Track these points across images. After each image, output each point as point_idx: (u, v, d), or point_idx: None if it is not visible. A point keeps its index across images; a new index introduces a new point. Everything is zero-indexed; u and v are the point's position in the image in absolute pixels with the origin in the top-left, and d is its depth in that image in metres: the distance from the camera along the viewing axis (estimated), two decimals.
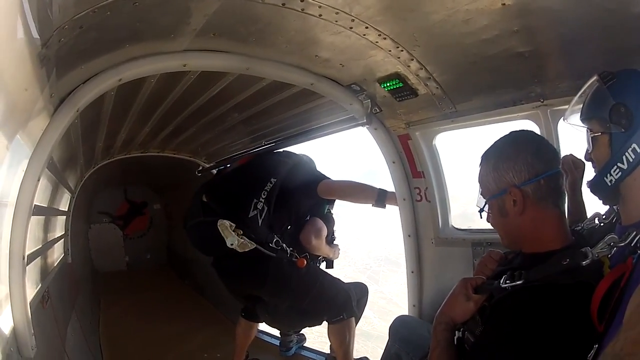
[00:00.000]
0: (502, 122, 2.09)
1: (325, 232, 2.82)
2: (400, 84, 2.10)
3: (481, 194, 1.30)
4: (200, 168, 3.77)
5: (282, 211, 2.63)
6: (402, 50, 1.85)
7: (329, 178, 2.80)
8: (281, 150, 2.96)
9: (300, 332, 3.69)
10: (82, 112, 1.86)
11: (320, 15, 1.63)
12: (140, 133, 3.57)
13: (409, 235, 2.66)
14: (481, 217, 1.32)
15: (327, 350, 3.35)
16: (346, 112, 2.62)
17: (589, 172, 1.21)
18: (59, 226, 4.01)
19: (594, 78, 1.13)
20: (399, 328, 2.13)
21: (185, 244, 2.71)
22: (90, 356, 3.51)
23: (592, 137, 1.14)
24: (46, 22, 1.20)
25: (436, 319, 1.27)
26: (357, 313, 2.92)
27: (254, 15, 1.65)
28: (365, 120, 2.45)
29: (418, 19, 1.60)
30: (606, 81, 1.10)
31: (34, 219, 2.00)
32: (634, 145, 1.02)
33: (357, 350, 2.97)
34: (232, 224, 2.34)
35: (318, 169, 3.12)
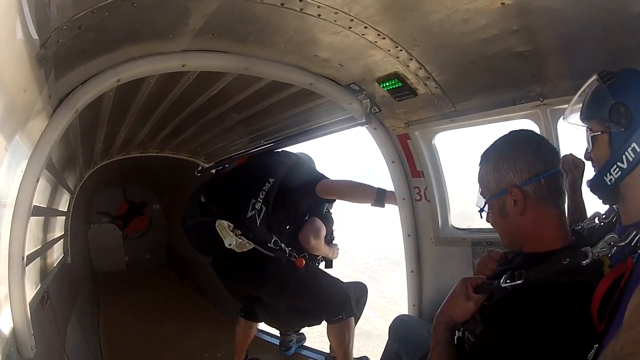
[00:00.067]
0: (502, 122, 2.09)
1: (324, 231, 2.82)
2: (400, 84, 2.09)
3: (481, 194, 1.29)
4: (200, 168, 3.77)
5: (280, 211, 2.63)
6: (401, 50, 1.85)
7: (328, 177, 2.80)
8: (279, 150, 2.95)
9: (300, 331, 3.69)
10: (81, 112, 1.86)
11: (319, 15, 1.63)
12: (140, 133, 3.57)
13: (409, 235, 2.66)
14: (481, 217, 1.32)
15: (327, 349, 3.35)
16: (345, 111, 2.62)
17: (589, 172, 1.21)
18: (59, 226, 4.00)
19: (594, 77, 1.13)
20: (398, 327, 2.13)
21: (185, 244, 2.70)
22: (90, 356, 3.51)
23: (591, 137, 1.14)
24: (44, 23, 1.20)
25: (436, 319, 1.27)
26: (357, 313, 2.92)
27: (253, 15, 1.65)
28: (364, 120, 2.44)
29: (417, 18, 1.59)
30: (606, 80, 1.10)
31: (33, 219, 2.00)
32: (633, 144, 1.02)
33: (358, 350, 2.97)
34: (230, 224, 2.34)
35: (317, 167, 3.12)
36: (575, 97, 1.24)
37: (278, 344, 3.68)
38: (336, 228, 3.07)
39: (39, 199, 2.52)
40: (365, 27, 1.70)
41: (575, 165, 1.54)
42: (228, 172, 2.89)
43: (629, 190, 1.07)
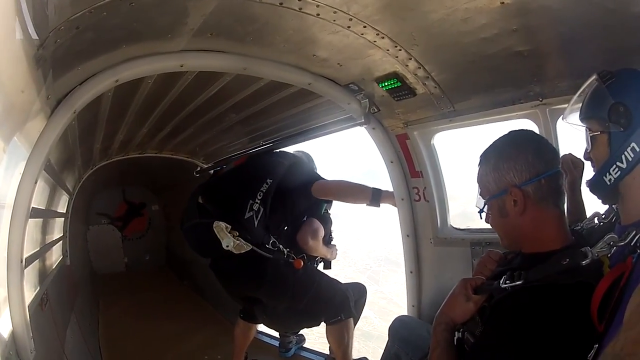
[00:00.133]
0: (501, 122, 2.09)
1: (322, 232, 2.81)
2: (399, 84, 2.09)
3: (480, 195, 1.29)
4: (199, 169, 3.77)
5: (278, 212, 2.62)
6: (400, 50, 1.85)
7: (324, 178, 2.79)
8: (277, 150, 2.95)
9: (299, 332, 3.69)
10: (79, 113, 1.85)
11: (318, 14, 1.62)
12: (138, 134, 3.56)
13: (408, 235, 2.66)
14: (481, 218, 1.32)
15: (327, 351, 3.34)
16: (344, 111, 2.62)
17: (588, 172, 1.21)
18: (57, 228, 4.00)
19: (593, 77, 1.13)
20: (398, 328, 2.13)
21: (184, 245, 2.70)
22: (90, 358, 3.50)
23: (591, 137, 1.14)
24: (42, 23, 1.19)
25: (436, 320, 1.27)
26: (356, 314, 2.91)
27: (252, 14, 1.64)
28: (363, 120, 2.44)
29: (416, 18, 1.59)
30: (605, 80, 1.09)
31: (31, 221, 1.99)
32: (632, 144, 1.02)
33: (359, 351, 2.97)
34: (228, 225, 2.33)
35: (316, 166, 3.11)
36: (575, 97, 1.24)
37: (277, 345, 3.67)
38: (335, 229, 3.06)
39: (38, 201, 2.51)
40: (364, 27, 1.70)
41: (575, 165, 1.54)
42: (226, 173, 2.88)
43: (629, 190, 1.07)
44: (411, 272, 2.68)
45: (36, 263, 2.63)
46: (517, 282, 1.08)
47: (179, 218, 2.67)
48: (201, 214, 2.46)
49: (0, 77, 1.15)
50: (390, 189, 2.66)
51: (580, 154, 1.33)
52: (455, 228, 2.50)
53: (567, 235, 1.18)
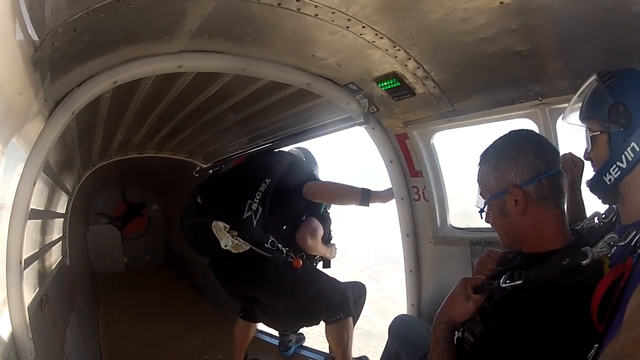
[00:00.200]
0: (501, 121, 2.08)
1: (321, 231, 2.81)
2: (398, 83, 2.09)
3: (480, 194, 1.29)
4: (198, 168, 3.77)
5: (277, 211, 2.62)
6: (399, 50, 1.84)
7: (318, 179, 2.77)
8: (276, 150, 2.94)
9: (299, 331, 3.69)
10: (77, 114, 1.85)
11: (317, 15, 1.62)
12: (137, 134, 3.56)
13: (407, 235, 2.66)
14: (481, 218, 1.32)
15: (327, 350, 3.35)
16: (343, 111, 2.62)
17: (588, 171, 1.21)
18: (57, 228, 3.99)
19: (593, 77, 1.13)
20: (398, 327, 2.13)
21: (184, 244, 2.70)
22: (90, 358, 3.50)
23: (591, 137, 1.14)
24: (39, 26, 1.19)
25: (436, 319, 1.27)
26: (355, 313, 2.91)
27: (250, 15, 1.64)
28: (362, 120, 2.44)
29: (415, 18, 1.59)
30: (605, 80, 1.09)
31: (31, 222, 1.99)
32: (632, 144, 1.02)
33: (359, 349, 2.97)
34: (227, 225, 2.33)
35: (317, 163, 3.11)
36: (575, 97, 1.23)
37: (277, 344, 3.68)
38: (334, 228, 3.06)
39: (37, 202, 2.51)
40: (363, 27, 1.70)
41: (575, 164, 1.54)
42: (225, 173, 2.88)
43: (629, 190, 1.06)
44: (411, 272, 2.68)
45: (36, 264, 2.63)
46: (517, 282, 1.08)
47: (179, 218, 2.67)
48: (200, 214, 2.46)
49: None
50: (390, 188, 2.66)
51: (580, 154, 1.33)
52: (455, 227, 2.50)
53: (567, 234, 1.18)
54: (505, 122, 2.04)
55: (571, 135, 1.34)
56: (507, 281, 1.11)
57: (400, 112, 2.35)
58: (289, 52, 2.00)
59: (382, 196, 2.67)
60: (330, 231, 3.02)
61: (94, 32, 1.44)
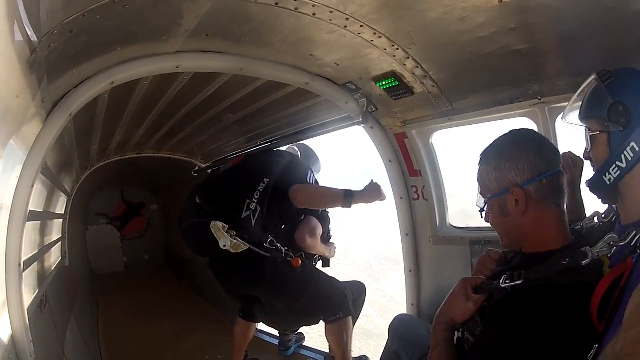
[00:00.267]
0: (500, 120, 2.08)
1: (320, 230, 2.80)
2: (396, 83, 2.09)
3: (481, 194, 1.29)
4: (197, 168, 3.75)
5: (275, 211, 2.61)
6: (397, 49, 1.84)
7: (308, 182, 2.68)
8: (275, 150, 2.93)
9: (299, 331, 3.69)
10: (75, 115, 1.85)
11: (314, 14, 1.61)
12: (135, 135, 3.55)
13: (407, 234, 2.66)
14: (482, 217, 1.31)
15: (327, 349, 3.35)
16: (342, 111, 2.61)
17: (588, 170, 1.20)
18: (56, 229, 3.99)
19: (592, 77, 1.12)
20: (398, 327, 2.13)
21: (183, 244, 2.69)
22: (90, 358, 3.50)
23: (590, 136, 1.14)
24: (35, 28, 1.18)
25: (436, 319, 1.27)
26: (354, 312, 2.91)
27: (247, 15, 1.63)
28: (361, 119, 2.44)
29: (414, 17, 1.58)
30: (604, 80, 1.09)
31: (30, 223, 1.98)
32: (632, 143, 1.02)
33: (360, 349, 2.98)
34: (225, 225, 2.33)
35: (318, 159, 3.10)
36: (574, 96, 1.23)
37: (277, 344, 3.68)
38: (333, 227, 3.06)
39: (35, 203, 2.50)
40: (361, 26, 1.69)
41: (575, 163, 1.53)
42: (223, 173, 2.87)
43: (628, 190, 1.06)
44: (410, 271, 2.68)
45: (35, 265, 2.62)
46: (517, 282, 1.08)
47: (178, 218, 2.66)
48: (199, 214, 2.46)
49: None
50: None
51: (579, 153, 1.33)
52: (455, 227, 2.50)
53: (567, 234, 1.18)
54: (505, 121, 2.04)
55: (570, 135, 1.34)
56: (507, 281, 1.10)
57: (399, 112, 2.35)
58: (287, 51, 1.99)
59: (365, 197, 2.53)
60: (329, 230, 3.01)
61: (91, 33, 1.43)
